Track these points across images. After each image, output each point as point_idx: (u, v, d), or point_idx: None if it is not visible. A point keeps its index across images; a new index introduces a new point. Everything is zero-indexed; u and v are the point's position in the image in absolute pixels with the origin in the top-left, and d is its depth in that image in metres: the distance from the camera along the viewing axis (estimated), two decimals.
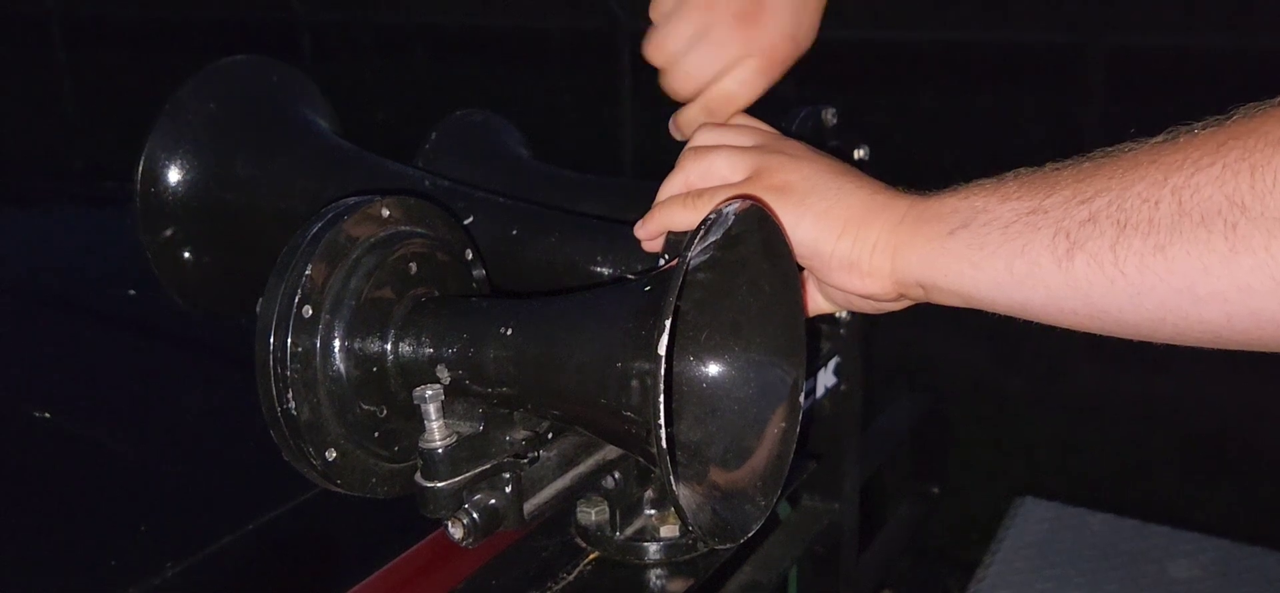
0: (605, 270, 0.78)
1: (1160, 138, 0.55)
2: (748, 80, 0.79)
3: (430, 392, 0.64)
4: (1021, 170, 0.62)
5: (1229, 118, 0.53)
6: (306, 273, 0.64)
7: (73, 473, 1.10)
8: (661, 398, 0.55)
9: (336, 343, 0.65)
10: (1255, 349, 0.54)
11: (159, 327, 1.40)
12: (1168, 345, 0.57)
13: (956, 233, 0.61)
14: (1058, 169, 0.60)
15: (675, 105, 0.83)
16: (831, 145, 0.95)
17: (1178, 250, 0.52)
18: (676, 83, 0.80)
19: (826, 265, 0.67)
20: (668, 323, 0.55)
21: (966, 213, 0.62)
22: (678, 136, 0.83)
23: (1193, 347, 0.56)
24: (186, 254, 0.93)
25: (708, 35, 0.78)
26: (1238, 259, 0.50)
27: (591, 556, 0.80)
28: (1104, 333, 0.59)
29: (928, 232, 0.63)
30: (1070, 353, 3.33)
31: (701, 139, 0.75)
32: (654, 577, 0.78)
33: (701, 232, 0.60)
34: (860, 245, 0.65)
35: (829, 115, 0.96)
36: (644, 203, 0.73)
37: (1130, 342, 0.58)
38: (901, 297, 0.67)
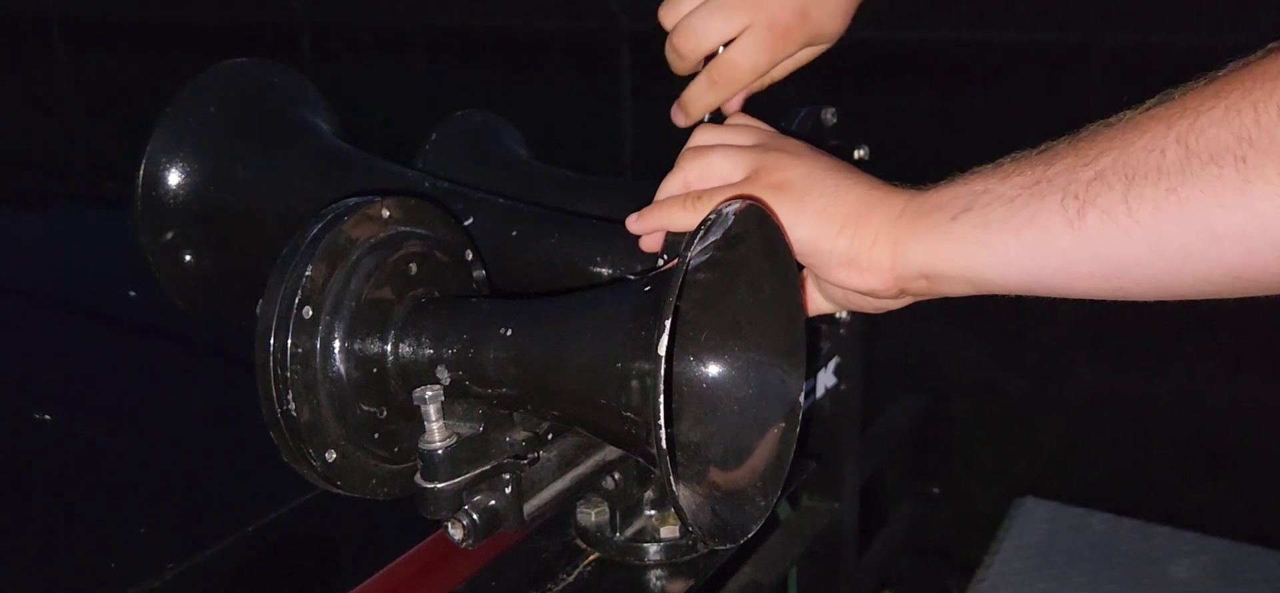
0: (605, 271, 0.78)
1: (1153, 101, 0.55)
2: (751, 49, 0.79)
3: (430, 393, 0.64)
4: (1016, 154, 0.62)
5: (1218, 73, 0.53)
6: (306, 274, 0.64)
7: (73, 473, 1.09)
8: (661, 398, 0.55)
9: (336, 344, 0.65)
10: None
11: (159, 327, 1.40)
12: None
13: (960, 217, 0.61)
14: (1053, 145, 0.60)
15: (675, 99, 0.83)
16: (831, 145, 0.95)
17: (1191, 189, 0.51)
18: (680, 40, 0.80)
19: (826, 262, 0.67)
20: (668, 323, 0.55)
21: (968, 197, 0.61)
22: (682, 123, 0.83)
23: (1215, 299, 0.55)
24: (187, 257, 0.92)
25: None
26: (1251, 188, 0.50)
27: (591, 557, 0.80)
28: (1122, 295, 0.58)
29: (930, 220, 0.63)
30: (1071, 353, 3.33)
31: (699, 139, 0.75)
32: (654, 578, 0.78)
33: (701, 232, 0.60)
34: (859, 241, 0.65)
35: (829, 115, 0.96)
36: (644, 204, 0.73)
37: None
38: (902, 293, 0.67)
